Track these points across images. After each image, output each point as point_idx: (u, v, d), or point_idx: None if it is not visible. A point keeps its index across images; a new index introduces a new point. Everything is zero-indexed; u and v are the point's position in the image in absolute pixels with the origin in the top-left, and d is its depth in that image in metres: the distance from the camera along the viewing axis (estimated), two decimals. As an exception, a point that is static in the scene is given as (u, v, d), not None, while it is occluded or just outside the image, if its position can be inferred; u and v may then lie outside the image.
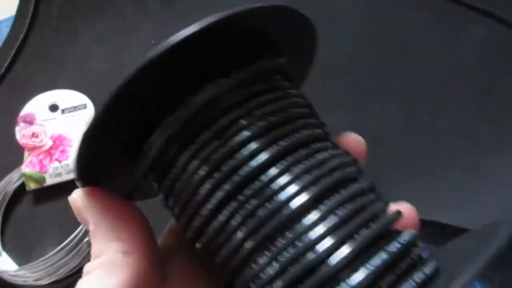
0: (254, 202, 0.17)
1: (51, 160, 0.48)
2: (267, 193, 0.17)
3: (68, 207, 0.48)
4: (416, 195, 0.41)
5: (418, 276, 0.16)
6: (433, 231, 0.40)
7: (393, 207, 0.21)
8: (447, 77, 0.44)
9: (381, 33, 0.50)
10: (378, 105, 0.45)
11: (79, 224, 0.44)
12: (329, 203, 0.17)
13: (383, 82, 0.46)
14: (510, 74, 0.44)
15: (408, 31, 0.49)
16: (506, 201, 0.38)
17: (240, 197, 0.18)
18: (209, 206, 0.18)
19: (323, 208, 0.17)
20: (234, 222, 0.18)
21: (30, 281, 0.43)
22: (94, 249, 0.20)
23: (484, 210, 0.37)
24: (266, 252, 0.17)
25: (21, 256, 0.44)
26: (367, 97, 0.46)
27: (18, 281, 0.43)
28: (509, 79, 0.44)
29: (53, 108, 0.51)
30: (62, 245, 0.43)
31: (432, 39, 0.47)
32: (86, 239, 0.44)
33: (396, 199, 0.39)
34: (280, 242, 0.17)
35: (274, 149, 0.18)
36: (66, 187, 0.48)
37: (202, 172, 0.18)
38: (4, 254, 0.45)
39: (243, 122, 0.18)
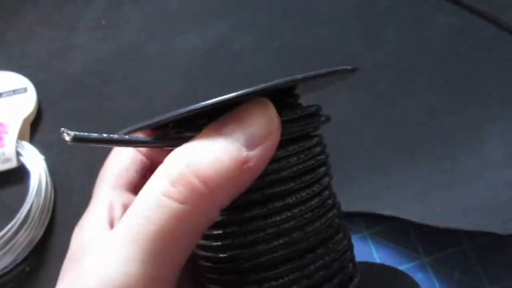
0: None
1: (-15, 148, 0.44)
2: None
3: (1, 199, 0.44)
4: (376, 188, 0.40)
5: None
6: (391, 227, 0.39)
7: None
8: (413, 66, 0.43)
9: (348, 20, 0.49)
10: (342, 93, 0.44)
11: (13, 216, 0.40)
12: None
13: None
14: (477, 64, 0.43)
15: (374, 19, 0.48)
16: (468, 196, 0.37)
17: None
18: None
19: None
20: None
21: (-46, 281, 0.38)
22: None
23: (445, 206, 0.36)
24: None
25: None
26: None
27: None
28: (476, 70, 0.43)
29: (-10, 91, 0.47)
30: (-7, 240, 0.39)
31: (399, 27, 0.46)
32: (21, 233, 0.40)
33: (356, 190, 0.37)
34: None
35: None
36: (0, 178, 0.43)
37: None
38: None
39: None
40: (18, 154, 0.43)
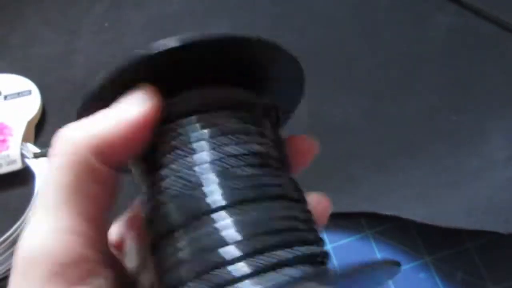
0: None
1: (-10, 150, 0.44)
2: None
3: (6, 201, 0.45)
4: (378, 188, 0.40)
5: None
6: (394, 226, 0.39)
7: (309, 197, 0.22)
8: (414, 66, 0.43)
9: (348, 20, 0.49)
10: (341, 94, 0.44)
11: (18, 218, 0.40)
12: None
13: (347, 70, 0.45)
14: (478, 64, 0.43)
15: (374, 19, 0.48)
16: (470, 196, 0.37)
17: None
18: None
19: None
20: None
21: (-39, 282, 0.39)
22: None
23: (448, 205, 0.36)
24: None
25: (-47, 254, 0.41)
26: (330, 85, 0.44)
27: None
28: (477, 69, 0.43)
29: (-5, 94, 0.47)
30: (-1, 241, 0.39)
31: (398, 27, 0.46)
32: (26, 235, 0.40)
33: (357, 191, 0.37)
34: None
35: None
36: (5, 180, 0.44)
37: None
38: None
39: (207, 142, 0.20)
40: (23, 156, 0.44)
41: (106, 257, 0.19)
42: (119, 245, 0.24)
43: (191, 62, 0.21)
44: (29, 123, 0.46)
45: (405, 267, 0.38)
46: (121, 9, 0.52)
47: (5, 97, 0.47)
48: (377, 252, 0.39)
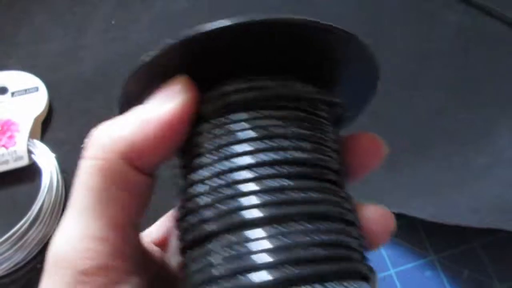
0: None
1: (-3, 146, 0.44)
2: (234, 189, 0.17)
3: (13, 197, 0.45)
4: (384, 186, 0.40)
5: None
6: (400, 224, 0.39)
7: (366, 208, 0.20)
8: (422, 65, 0.43)
9: (353, 18, 0.49)
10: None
11: (25, 214, 0.40)
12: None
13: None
14: (486, 62, 0.43)
15: (381, 18, 0.48)
16: (478, 194, 0.37)
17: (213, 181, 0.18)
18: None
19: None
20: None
21: (-33, 277, 0.39)
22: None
23: (455, 203, 0.36)
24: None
25: (-40, 249, 0.41)
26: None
27: (-46, 276, 0.39)
28: (485, 68, 0.43)
29: (2, 90, 0.48)
30: (5, 237, 0.39)
31: (406, 25, 0.46)
32: (33, 230, 0.40)
33: (365, 191, 0.37)
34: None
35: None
36: (12, 176, 0.44)
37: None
38: None
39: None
40: (29, 152, 0.44)
41: (136, 264, 0.18)
42: (164, 242, 0.23)
43: (238, 49, 0.18)
44: (36, 119, 0.46)
45: (412, 265, 0.38)
46: (128, 7, 0.52)
47: (13, 94, 0.47)
48: (383, 250, 0.39)
